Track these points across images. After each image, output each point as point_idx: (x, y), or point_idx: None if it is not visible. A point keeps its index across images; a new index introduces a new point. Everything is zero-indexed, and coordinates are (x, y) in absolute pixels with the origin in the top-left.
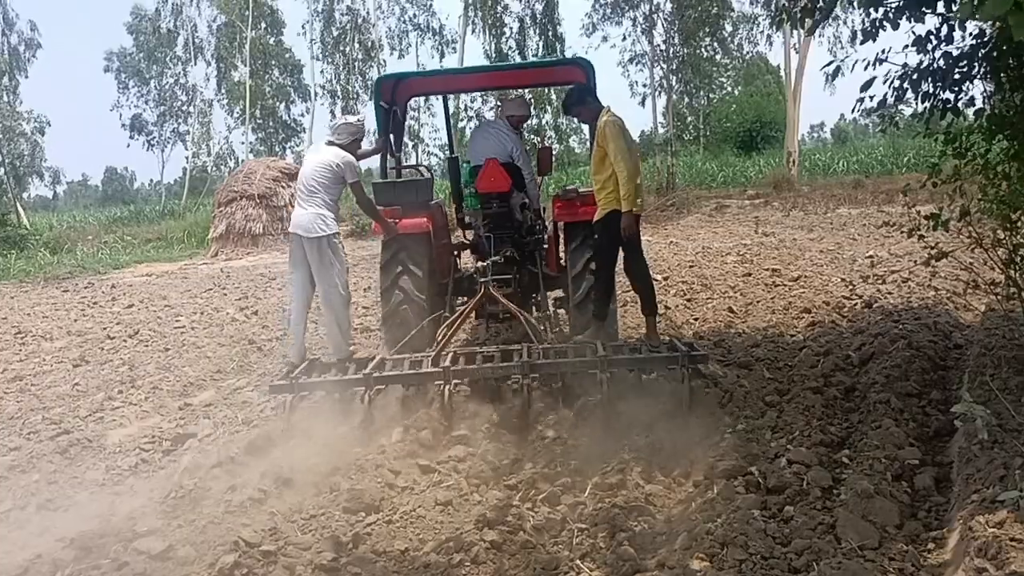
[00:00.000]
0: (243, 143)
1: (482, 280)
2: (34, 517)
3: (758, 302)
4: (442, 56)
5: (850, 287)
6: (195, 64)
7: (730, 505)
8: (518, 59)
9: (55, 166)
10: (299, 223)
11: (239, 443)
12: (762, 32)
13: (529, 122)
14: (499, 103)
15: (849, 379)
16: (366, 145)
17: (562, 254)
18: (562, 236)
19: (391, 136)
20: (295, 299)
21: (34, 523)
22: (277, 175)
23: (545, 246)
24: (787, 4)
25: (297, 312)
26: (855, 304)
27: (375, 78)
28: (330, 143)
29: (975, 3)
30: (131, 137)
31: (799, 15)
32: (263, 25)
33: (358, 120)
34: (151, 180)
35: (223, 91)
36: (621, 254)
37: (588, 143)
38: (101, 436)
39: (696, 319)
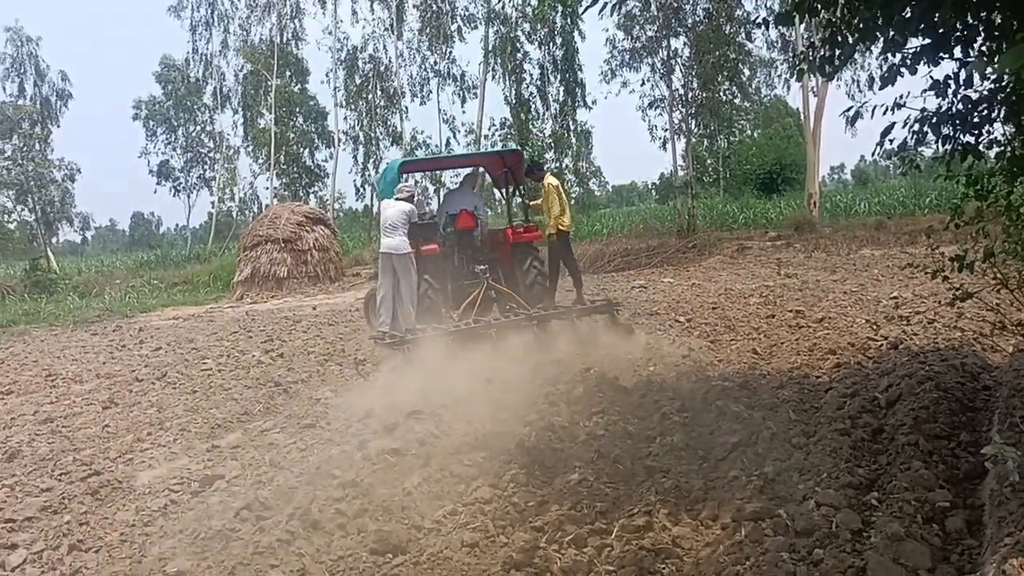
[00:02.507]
0: (267, 188)
1: (485, 277)
2: (66, 558)
3: (782, 343)
4: (463, 101)
5: (875, 328)
6: (222, 112)
7: (758, 548)
8: (539, 105)
9: (84, 212)
10: (390, 246)
11: (267, 484)
12: (780, 76)
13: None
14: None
15: (876, 421)
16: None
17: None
18: (514, 251)
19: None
20: (384, 295)
21: (66, 564)
22: (302, 219)
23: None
24: (805, 53)
25: (388, 303)
26: (880, 345)
27: (398, 163)
28: (397, 199)
29: (991, 59)
30: (158, 183)
31: (817, 64)
32: (288, 73)
33: (409, 187)
34: (177, 225)
35: (249, 138)
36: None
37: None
38: (131, 477)
39: (720, 360)
